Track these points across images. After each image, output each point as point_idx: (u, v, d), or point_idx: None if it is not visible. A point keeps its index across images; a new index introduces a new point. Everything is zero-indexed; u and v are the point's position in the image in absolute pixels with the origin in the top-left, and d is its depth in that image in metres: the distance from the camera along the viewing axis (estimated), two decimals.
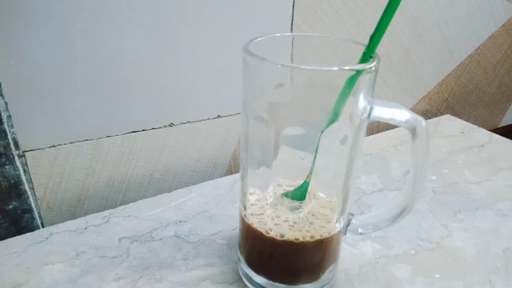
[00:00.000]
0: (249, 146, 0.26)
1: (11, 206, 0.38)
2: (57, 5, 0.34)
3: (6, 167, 0.36)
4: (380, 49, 0.23)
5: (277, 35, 0.28)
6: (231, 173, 0.50)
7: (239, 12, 0.42)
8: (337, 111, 0.23)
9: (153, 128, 0.43)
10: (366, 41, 0.24)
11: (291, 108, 0.24)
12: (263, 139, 0.25)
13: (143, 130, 0.43)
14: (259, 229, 0.27)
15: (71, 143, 0.39)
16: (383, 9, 0.22)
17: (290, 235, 0.27)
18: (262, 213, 0.27)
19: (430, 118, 0.62)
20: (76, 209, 0.43)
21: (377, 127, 0.60)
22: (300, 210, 0.27)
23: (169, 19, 0.39)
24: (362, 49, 0.24)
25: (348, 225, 0.29)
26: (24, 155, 0.37)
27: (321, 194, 0.27)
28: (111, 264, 0.32)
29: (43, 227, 0.41)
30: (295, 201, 0.27)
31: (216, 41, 0.42)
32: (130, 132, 0.42)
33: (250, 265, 0.30)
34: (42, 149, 0.38)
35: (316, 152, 0.24)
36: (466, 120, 0.60)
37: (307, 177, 0.26)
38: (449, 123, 0.59)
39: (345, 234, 0.29)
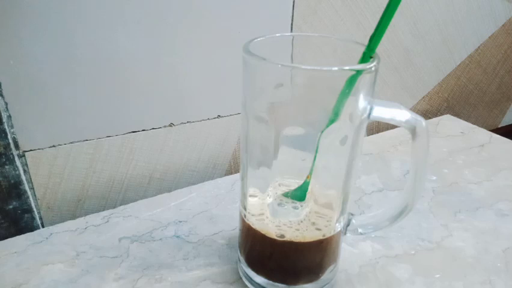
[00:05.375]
0: (249, 146, 0.26)
1: (11, 206, 0.38)
2: (57, 5, 0.34)
3: (6, 167, 0.36)
4: (380, 49, 0.23)
5: (277, 35, 0.28)
6: (231, 173, 0.50)
7: (239, 12, 0.42)
8: (337, 111, 0.23)
9: (153, 128, 0.43)
10: (366, 41, 0.24)
11: (291, 108, 0.24)
12: (263, 139, 0.25)
13: (143, 130, 0.43)
14: (259, 229, 0.27)
15: (71, 143, 0.39)
16: (383, 9, 0.22)
17: (290, 235, 0.27)
18: (262, 214, 0.27)
19: (430, 118, 0.62)
20: (76, 209, 0.43)
21: (377, 127, 0.60)
22: (300, 210, 0.27)
23: (169, 19, 0.39)
24: (362, 49, 0.24)
25: (348, 225, 0.29)
26: (24, 155, 0.37)
27: (321, 194, 0.27)
28: (111, 264, 0.32)
29: (43, 227, 0.41)
30: (296, 201, 0.27)
31: (216, 41, 0.42)
32: (130, 132, 0.42)
33: (250, 265, 0.30)
34: (42, 149, 0.38)
35: (316, 152, 0.24)
36: (466, 120, 0.60)
37: (307, 177, 0.26)
38: (449, 123, 0.59)
39: (345, 234, 0.29)
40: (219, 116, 0.46)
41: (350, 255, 0.34)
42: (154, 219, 0.38)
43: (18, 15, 0.33)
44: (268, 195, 0.27)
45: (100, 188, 0.43)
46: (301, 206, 0.27)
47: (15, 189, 0.37)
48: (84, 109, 0.39)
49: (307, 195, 0.27)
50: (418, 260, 0.33)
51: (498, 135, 0.55)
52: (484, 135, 0.55)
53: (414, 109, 0.64)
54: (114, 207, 0.39)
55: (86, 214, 0.39)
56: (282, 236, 0.27)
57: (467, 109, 0.70)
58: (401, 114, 0.25)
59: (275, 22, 0.45)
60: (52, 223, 0.39)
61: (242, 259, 0.30)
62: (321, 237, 0.27)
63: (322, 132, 0.24)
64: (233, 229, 0.36)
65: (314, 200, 0.27)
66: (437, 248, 0.35)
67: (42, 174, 0.39)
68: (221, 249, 0.34)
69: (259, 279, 0.29)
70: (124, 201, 0.44)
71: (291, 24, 0.46)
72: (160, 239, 0.35)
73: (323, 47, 0.28)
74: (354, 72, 0.22)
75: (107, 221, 0.37)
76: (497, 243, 0.35)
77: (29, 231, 0.36)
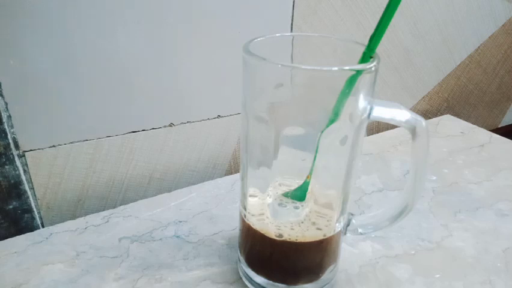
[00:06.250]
0: (249, 146, 0.26)
1: (11, 206, 0.38)
2: (57, 5, 0.34)
3: (6, 167, 0.36)
4: (380, 49, 0.23)
5: (277, 35, 0.28)
6: (231, 173, 0.50)
7: (239, 13, 0.42)
8: (337, 111, 0.23)
9: (153, 128, 0.43)
10: (366, 41, 0.24)
11: (291, 108, 0.24)
12: (263, 139, 0.25)
13: (143, 130, 0.43)
14: (259, 229, 0.27)
15: (71, 143, 0.39)
16: (383, 9, 0.22)
17: (290, 235, 0.27)
18: (262, 214, 0.27)
19: (430, 118, 0.62)
20: (76, 209, 0.43)
21: (377, 127, 0.60)
22: (300, 210, 0.27)
23: (169, 19, 0.39)
24: (362, 49, 0.24)
25: (348, 225, 0.29)
26: (24, 155, 0.37)
27: (321, 194, 0.27)
28: (111, 264, 0.32)
29: (43, 227, 0.41)
30: (296, 202, 0.27)
31: (216, 41, 0.42)
32: (130, 132, 0.42)
33: (250, 265, 0.30)
34: (42, 149, 0.38)
35: (316, 152, 0.24)
36: (466, 120, 0.60)
37: (307, 177, 0.26)
38: (449, 123, 0.59)
39: (345, 234, 0.29)
40: (219, 116, 0.46)
41: (350, 255, 0.34)
42: (154, 219, 0.38)
43: (19, 15, 0.33)
44: (268, 195, 0.27)
45: (100, 188, 0.43)
46: (302, 206, 0.27)
47: (15, 189, 0.37)
48: (84, 109, 0.39)
49: (307, 195, 0.27)
50: (418, 260, 0.33)
51: (498, 135, 0.55)
52: (484, 135, 0.55)
53: (414, 109, 0.64)
54: (114, 207, 0.39)
55: (86, 214, 0.39)
56: (282, 236, 0.27)
57: (467, 109, 0.70)
58: (401, 114, 0.25)
59: (275, 22, 0.45)
60: (52, 223, 0.39)
61: (242, 259, 0.30)
62: (321, 237, 0.27)
63: (322, 132, 0.24)
64: (233, 229, 0.36)
65: (314, 200, 0.27)
66: (437, 248, 0.35)
67: (42, 174, 0.39)
68: (221, 249, 0.34)
69: (259, 279, 0.29)
70: (124, 201, 0.44)
71: (291, 24, 0.46)
72: (160, 239, 0.35)
73: (323, 47, 0.28)
74: (354, 72, 0.22)
75: (107, 221, 0.37)
76: (497, 243, 0.35)
77: (29, 231, 0.36)
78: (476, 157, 0.50)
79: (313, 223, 0.27)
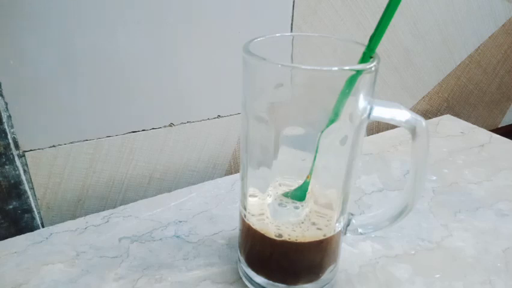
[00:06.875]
0: (249, 146, 0.26)
1: (11, 206, 0.38)
2: (57, 5, 0.34)
3: (6, 167, 0.36)
4: (380, 49, 0.23)
5: (277, 35, 0.28)
6: (231, 173, 0.50)
7: (239, 13, 0.42)
8: (337, 111, 0.23)
9: (153, 128, 0.43)
10: (366, 41, 0.24)
11: (291, 108, 0.24)
12: (263, 139, 0.25)
13: (143, 130, 0.43)
14: (259, 229, 0.27)
15: (71, 143, 0.39)
16: (383, 9, 0.22)
17: (290, 235, 0.27)
18: (262, 214, 0.27)
19: (430, 118, 0.62)
20: (76, 209, 0.43)
21: (377, 127, 0.60)
22: (300, 210, 0.27)
23: (169, 19, 0.39)
24: (362, 49, 0.24)
25: (348, 225, 0.29)
26: (24, 155, 0.37)
27: (321, 194, 0.27)
28: (111, 264, 0.32)
29: (43, 227, 0.41)
30: (295, 202, 0.27)
31: (216, 41, 0.42)
32: (130, 132, 0.42)
33: (250, 265, 0.30)
34: (42, 149, 0.38)
35: (316, 152, 0.24)
36: (466, 120, 0.60)
37: (307, 177, 0.26)
38: (449, 123, 0.59)
39: (345, 234, 0.29)
40: (219, 116, 0.46)
41: (350, 255, 0.34)
42: (154, 219, 0.38)
43: (18, 15, 0.33)
44: (268, 195, 0.27)
45: (100, 188, 0.43)
46: (302, 206, 0.27)
47: (15, 189, 0.37)
48: (84, 109, 0.39)
49: (307, 195, 0.27)
50: (418, 260, 0.33)
51: (498, 135, 0.55)
52: (484, 135, 0.55)
53: (414, 109, 0.64)
54: (114, 207, 0.39)
55: (86, 214, 0.39)
56: (282, 236, 0.27)
57: (467, 109, 0.70)
58: (401, 114, 0.25)
59: (275, 22, 0.45)
60: (52, 223, 0.39)
61: (242, 259, 0.30)
62: (321, 237, 0.27)
63: (322, 132, 0.24)
64: (233, 229, 0.36)
65: (314, 200, 0.27)
66: (437, 248, 0.35)
67: (42, 174, 0.39)
68: (221, 249, 0.34)
69: (259, 279, 0.29)
70: (124, 201, 0.44)
71: (291, 24, 0.46)
72: (160, 239, 0.35)
73: (323, 47, 0.28)
74: (354, 72, 0.22)
75: (107, 221, 0.37)
76: (497, 243, 0.35)
77: (29, 231, 0.36)
78: (476, 157, 0.50)
79: (313, 223, 0.27)
